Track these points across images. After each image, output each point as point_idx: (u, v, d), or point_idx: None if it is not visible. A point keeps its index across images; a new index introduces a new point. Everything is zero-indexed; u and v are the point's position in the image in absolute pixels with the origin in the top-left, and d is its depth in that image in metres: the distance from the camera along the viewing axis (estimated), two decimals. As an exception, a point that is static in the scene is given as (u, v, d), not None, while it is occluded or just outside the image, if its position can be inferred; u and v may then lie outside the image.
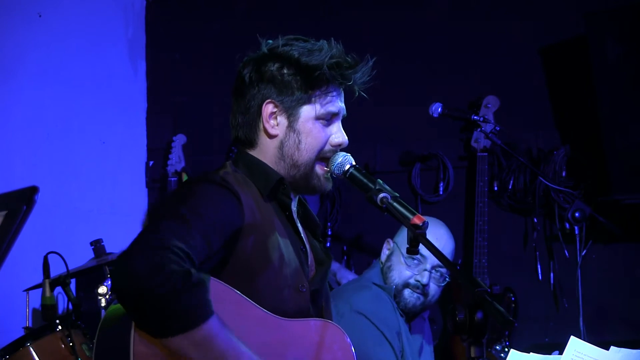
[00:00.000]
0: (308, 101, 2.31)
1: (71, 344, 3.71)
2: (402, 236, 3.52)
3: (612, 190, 4.41)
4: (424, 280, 3.46)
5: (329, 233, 4.99)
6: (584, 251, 4.49)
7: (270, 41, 2.35)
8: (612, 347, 2.49)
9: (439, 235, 3.51)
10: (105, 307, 3.82)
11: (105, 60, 5.05)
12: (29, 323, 4.20)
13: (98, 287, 4.00)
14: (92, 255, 4.21)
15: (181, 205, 2.10)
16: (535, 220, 4.81)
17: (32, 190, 1.75)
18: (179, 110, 5.27)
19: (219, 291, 2.04)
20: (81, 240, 4.32)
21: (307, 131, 2.31)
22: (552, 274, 4.77)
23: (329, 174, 2.34)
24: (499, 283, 4.55)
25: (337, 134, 2.35)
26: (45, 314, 3.81)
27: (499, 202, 4.86)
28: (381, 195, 2.16)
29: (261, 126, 2.33)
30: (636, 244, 4.65)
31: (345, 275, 4.57)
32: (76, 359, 3.71)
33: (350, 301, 3.37)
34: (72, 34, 4.86)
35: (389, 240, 3.59)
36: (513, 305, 4.61)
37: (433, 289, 3.50)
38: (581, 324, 4.36)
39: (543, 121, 4.84)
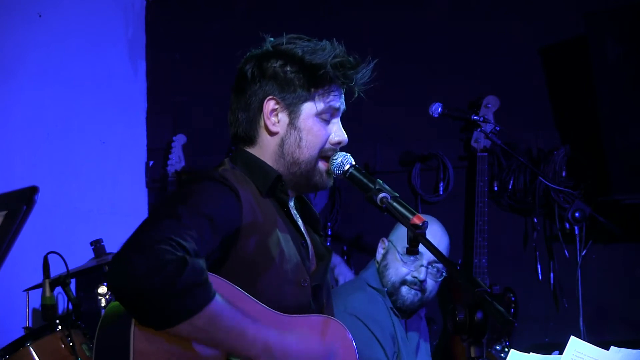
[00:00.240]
0: (309, 99, 2.30)
1: (71, 344, 3.70)
2: (397, 234, 3.52)
3: (612, 190, 4.41)
4: (421, 276, 3.46)
5: (329, 233, 4.99)
6: (584, 251, 4.49)
7: (273, 39, 2.35)
8: (612, 347, 2.48)
9: (432, 231, 3.50)
10: (105, 307, 3.81)
11: (105, 60, 5.05)
12: (29, 323, 4.20)
13: (98, 287, 4.01)
14: (92, 255, 4.21)
15: (179, 203, 2.09)
16: (535, 220, 4.81)
17: (32, 190, 1.75)
18: (179, 110, 5.27)
19: (217, 286, 2.02)
20: (81, 240, 4.32)
21: (307, 128, 2.30)
22: (552, 274, 4.76)
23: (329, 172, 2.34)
24: (499, 283, 4.56)
25: (337, 132, 2.35)
26: (45, 314, 3.81)
27: (499, 202, 4.86)
28: (381, 195, 2.16)
29: (262, 123, 2.32)
30: (636, 244, 4.65)
31: (343, 272, 4.55)
32: (76, 359, 3.70)
33: (345, 302, 3.37)
34: (72, 34, 4.86)
35: (384, 239, 3.59)
36: (513, 305, 4.61)
37: (430, 284, 3.50)
38: (581, 324, 4.35)
39: (543, 121, 4.84)
